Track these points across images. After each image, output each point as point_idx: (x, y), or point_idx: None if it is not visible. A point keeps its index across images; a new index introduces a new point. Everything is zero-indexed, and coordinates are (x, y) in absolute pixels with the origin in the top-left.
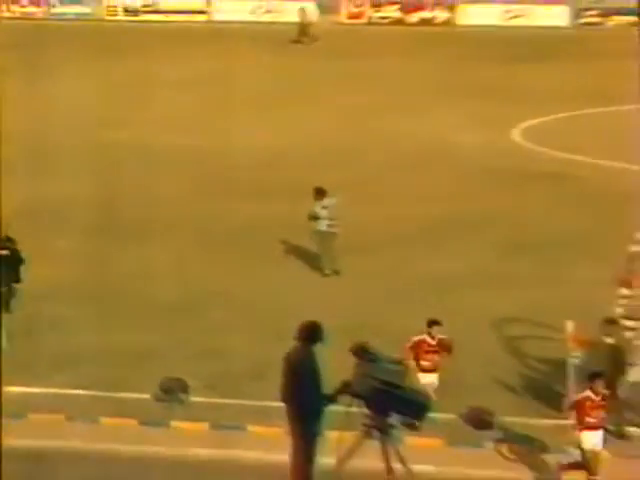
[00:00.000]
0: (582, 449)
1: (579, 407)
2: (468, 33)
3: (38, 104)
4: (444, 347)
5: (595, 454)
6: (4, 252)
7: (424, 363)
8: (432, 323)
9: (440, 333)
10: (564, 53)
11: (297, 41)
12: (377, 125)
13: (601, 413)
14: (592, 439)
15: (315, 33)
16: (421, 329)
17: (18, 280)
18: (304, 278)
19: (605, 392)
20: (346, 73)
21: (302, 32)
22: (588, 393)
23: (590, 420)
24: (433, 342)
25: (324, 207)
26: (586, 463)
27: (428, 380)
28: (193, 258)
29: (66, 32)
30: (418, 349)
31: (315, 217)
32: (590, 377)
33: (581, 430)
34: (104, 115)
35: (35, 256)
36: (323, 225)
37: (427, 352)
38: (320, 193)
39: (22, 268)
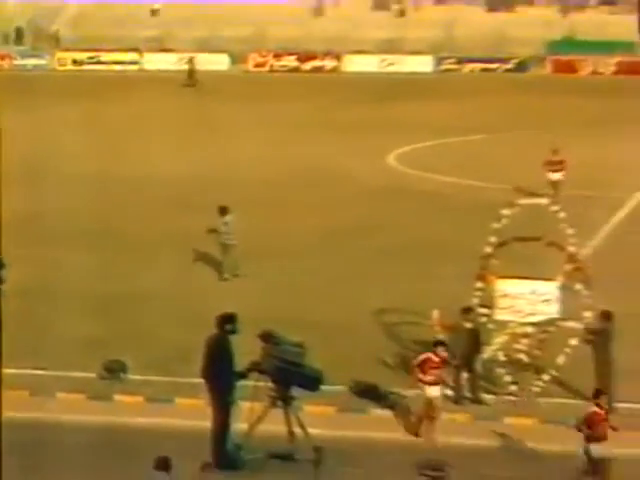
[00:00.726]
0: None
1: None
2: (352, 78)
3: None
4: (446, 363)
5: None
6: None
7: (429, 378)
8: (437, 344)
9: (335, 321)
10: (429, 93)
11: (187, 85)
12: (277, 154)
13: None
14: (432, 392)
15: (199, 78)
16: (316, 318)
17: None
18: (217, 280)
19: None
20: (251, 112)
21: (190, 77)
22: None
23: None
24: (437, 359)
25: (225, 223)
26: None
27: (434, 393)
28: (128, 262)
29: (25, 79)
30: (424, 365)
31: (213, 231)
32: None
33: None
34: (53, 146)
35: None
36: (224, 238)
37: (432, 368)
38: (223, 211)
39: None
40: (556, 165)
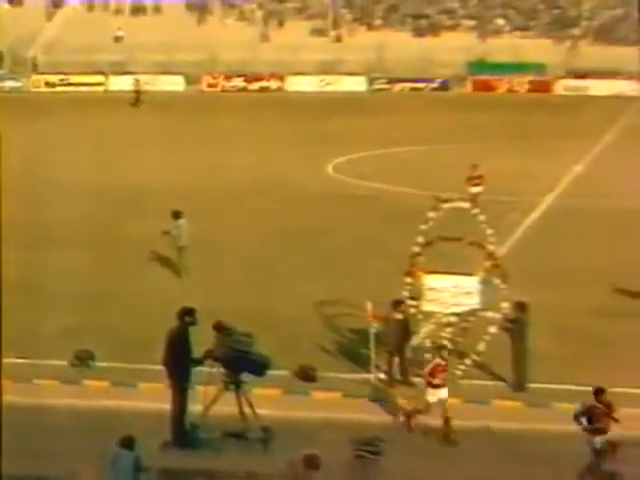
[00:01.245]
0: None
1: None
2: (294, 97)
3: None
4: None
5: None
6: None
7: (437, 381)
8: (441, 347)
9: (282, 313)
10: (363, 110)
11: (133, 104)
12: (227, 164)
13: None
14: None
15: (143, 98)
16: (265, 310)
17: None
18: (175, 277)
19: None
20: (205, 126)
21: (137, 97)
22: (437, 361)
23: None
24: (443, 363)
25: (178, 226)
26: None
27: (443, 395)
28: (92, 263)
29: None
30: (434, 371)
31: (167, 233)
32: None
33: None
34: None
35: None
36: (178, 240)
37: (440, 372)
38: (176, 215)
39: None
40: (475, 180)
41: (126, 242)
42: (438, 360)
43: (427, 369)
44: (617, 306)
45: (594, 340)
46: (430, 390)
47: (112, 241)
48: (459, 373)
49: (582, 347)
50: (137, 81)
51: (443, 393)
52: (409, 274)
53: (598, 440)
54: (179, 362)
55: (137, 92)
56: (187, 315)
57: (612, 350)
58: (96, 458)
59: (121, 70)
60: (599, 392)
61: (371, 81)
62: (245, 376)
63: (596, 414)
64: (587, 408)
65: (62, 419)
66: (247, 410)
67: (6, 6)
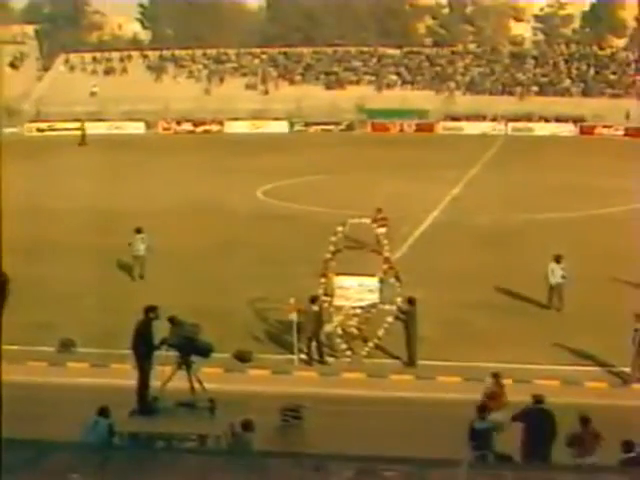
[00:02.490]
0: None
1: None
2: (231, 138)
3: None
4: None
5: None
6: None
7: (495, 404)
8: (495, 375)
9: (223, 308)
10: (286, 147)
11: (80, 144)
12: (175, 191)
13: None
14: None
15: (86, 139)
16: (209, 306)
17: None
18: (136, 281)
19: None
20: (158, 161)
21: (83, 138)
22: (493, 389)
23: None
24: (501, 390)
25: (140, 239)
26: None
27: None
28: (68, 269)
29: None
30: (493, 397)
31: (130, 244)
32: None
33: None
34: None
35: None
36: (138, 250)
37: (497, 398)
38: (138, 231)
39: None
40: (380, 221)
41: (94, 253)
42: (494, 388)
43: (486, 394)
44: (488, 301)
45: (469, 327)
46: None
47: (86, 251)
48: (364, 354)
49: (460, 333)
50: (82, 124)
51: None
52: (323, 276)
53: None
54: (144, 348)
55: (83, 134)
56: (151, 311)
57: (484, 334)
58: (78, 424)
59: (96, 118)
60: (586, 421)
61: (292, 124)
62: (194, 358)
63: (583, 441)
64: (575, 437)
65: (50, 394)
66: (196, 385)
67: (7, 69)
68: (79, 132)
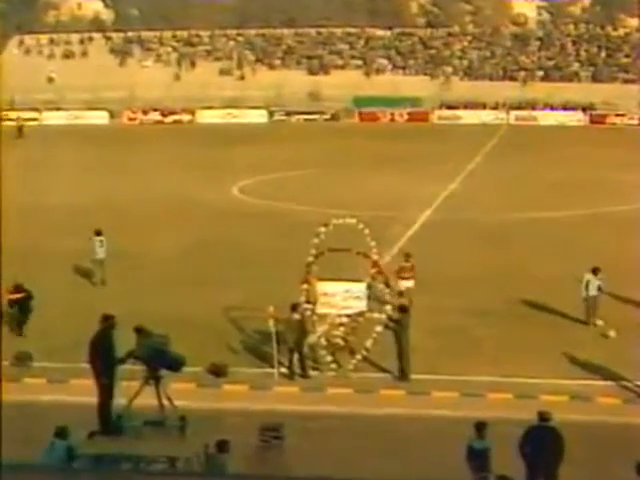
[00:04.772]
0: None
1: None
2: (204, 128)
3: None
4: None
5: None
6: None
7: None
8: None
9: (195, 316)
10: (265, 138)
11: (17, 137)
12: (144, 186)
13: None
14: None
15: (25, 131)
16: (180, 314)
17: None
18: (97, 287)
19: None
20: (125, 154)
21: (19, 131)
22: None
23: None
24: None
25: (99, 241)
26: None
27: None
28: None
29: None
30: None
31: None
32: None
33: None
34: None
35: None
36: (98, 252)
37: None
38: (97, 233)
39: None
40: (407, 272)
41: (51, 256)
42: None
43: None
44: (487, 307)
45: (467, 336)
46: None
47: (40, 254)
48: (351, 367)
49: (456, 342)
50: (18, 117)
51: None
52: (305, 281)
53: None
54: (103, 361)
55: (20, 126)
56: (107, 320)
57: (483, 345)
58: (34, 445)
59: (54, 107)
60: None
61: (271, 114)
62: (163, 372)
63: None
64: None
65: (4, 412)
66: (165, 402)
67: None
68: (34, 122)
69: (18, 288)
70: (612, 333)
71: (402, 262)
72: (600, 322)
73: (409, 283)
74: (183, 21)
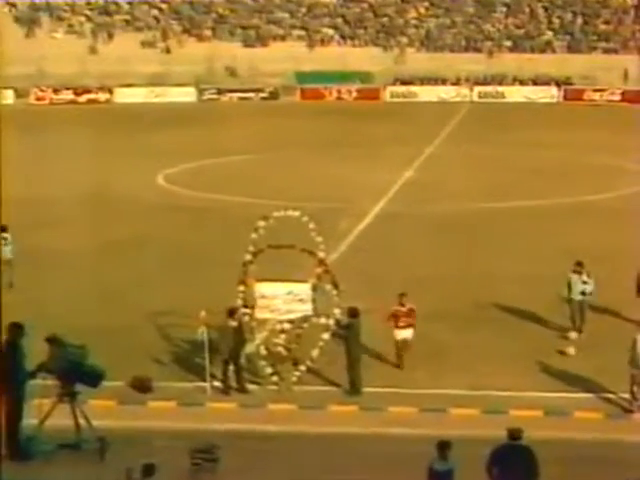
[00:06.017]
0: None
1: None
2: (124, 108)
3: None
4: None
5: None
6: None
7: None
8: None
9: (116, 323)
10: (193, 120)
11: None
12: (57, 177)
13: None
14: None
15: None
16: (99, 322)
17: None
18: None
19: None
20: (33, 140)
21: None
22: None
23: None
24: None
25: (4, 238)
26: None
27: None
28: None
29: None
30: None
31: None
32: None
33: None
34: None
35: None
36: (3, 253)
37: None
38: (2, 229)
39: None
40: (403, 318)
41: None
42: None
43: None
44: (450, 310)
45: (427, 344)
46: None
47: None
48: (294, 380)
49: (415, 351)
50: None
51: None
52: (242, 282)
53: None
54: (10, 376)
55: None
56: (15, 329)
57: (446, 353)
58: None
59: None
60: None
61: (200, 92)
62: (79, 387)
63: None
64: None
65: None
66: (82, 421)
67: None
68: None
69: None
70: (571, 350)
71: (396, 305)
72: (573, 335)
73: (407, 333)
74: None
